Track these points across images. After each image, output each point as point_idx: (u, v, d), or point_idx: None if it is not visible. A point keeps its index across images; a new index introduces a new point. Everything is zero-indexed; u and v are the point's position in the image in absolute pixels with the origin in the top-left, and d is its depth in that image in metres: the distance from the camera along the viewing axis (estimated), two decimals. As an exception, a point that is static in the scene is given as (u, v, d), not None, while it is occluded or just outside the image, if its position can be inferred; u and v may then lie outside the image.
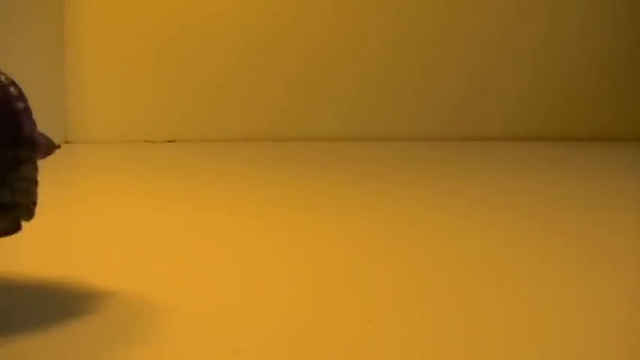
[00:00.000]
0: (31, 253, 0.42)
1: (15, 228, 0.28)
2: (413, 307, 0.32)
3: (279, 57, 1.22)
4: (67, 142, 1.17)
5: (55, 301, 0.32)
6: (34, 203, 0.28)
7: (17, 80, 0.29)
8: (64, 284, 0.35)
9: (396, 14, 1.22)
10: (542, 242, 0.44)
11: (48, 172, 0.37)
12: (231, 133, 1.21)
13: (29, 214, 0.28)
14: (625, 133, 1.22)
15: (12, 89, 0.28)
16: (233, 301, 0.33)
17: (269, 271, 0.39)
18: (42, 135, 0.28)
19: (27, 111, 0.28)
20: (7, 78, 0.28)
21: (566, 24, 1.24)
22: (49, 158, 0.30)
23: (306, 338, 0.27)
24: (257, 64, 1.22)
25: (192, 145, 1.15)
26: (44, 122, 0.45)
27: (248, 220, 0.53)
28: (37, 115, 0.30)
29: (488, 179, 0.73)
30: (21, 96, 0.28)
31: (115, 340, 0.27)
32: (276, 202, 0.60)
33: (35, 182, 0.28)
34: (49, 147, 0.29)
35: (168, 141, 1.20)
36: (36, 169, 0.28)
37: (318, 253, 0.43)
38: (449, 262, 0.39)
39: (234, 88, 1.23)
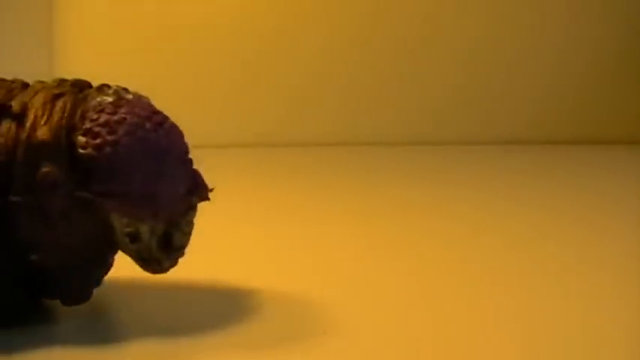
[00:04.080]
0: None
1: (173, 266, 0.29)
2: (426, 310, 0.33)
3: (271, 64, 1.22)
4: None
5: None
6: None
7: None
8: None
9: (400, 18, 1.24)
10: (540, 247, 0.45)
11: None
12: (221, 140, 1.21)
13: (183, 255, 0.30)
14: (619, 137, 1.24)
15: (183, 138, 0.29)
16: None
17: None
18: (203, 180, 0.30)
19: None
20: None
21: (561, 27, 1.25)
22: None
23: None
24: (246, 73, 1.22)
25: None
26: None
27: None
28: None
29: (484, 184, 0.74)
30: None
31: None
32: (279, 209, 0.60)
33: (193, 226, 0.30)
34: (208, 193, 0.30)
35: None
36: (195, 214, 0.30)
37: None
38: (442, 268, 0.40)
39: (221, 96, 1.22)
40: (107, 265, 0.30)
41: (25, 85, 0.30)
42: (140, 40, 1.20)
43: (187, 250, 0.44)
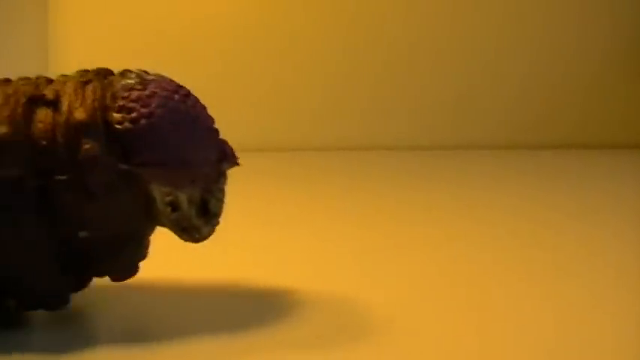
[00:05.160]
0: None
1: (211, 234, 0.31)
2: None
3: (271, 63, 1.23)
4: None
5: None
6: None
7: None
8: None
9: (423, 22, 1.25)
10: (559, 248, 0.46)
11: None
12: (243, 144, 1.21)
13: (218, 223, 0.31)
14: (619, 141, 1.26)
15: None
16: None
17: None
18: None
19: None
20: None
21: (568, 31, 1.27)
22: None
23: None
24: (241, 72, 1.23)
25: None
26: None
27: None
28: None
29: (502, 186, 0.76)
30: None
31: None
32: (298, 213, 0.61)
33: (225, 193, 0.31)
34: (237, 160, 0.32)
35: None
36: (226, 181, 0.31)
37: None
38: (465, 268, 0.41)
39: (218, 97, 1.22)
40: (147, 242, 0.32)
41: (50, 80, 0.32)
42: (144, 40, 1.18)
43: (220, 250, 0.46)
